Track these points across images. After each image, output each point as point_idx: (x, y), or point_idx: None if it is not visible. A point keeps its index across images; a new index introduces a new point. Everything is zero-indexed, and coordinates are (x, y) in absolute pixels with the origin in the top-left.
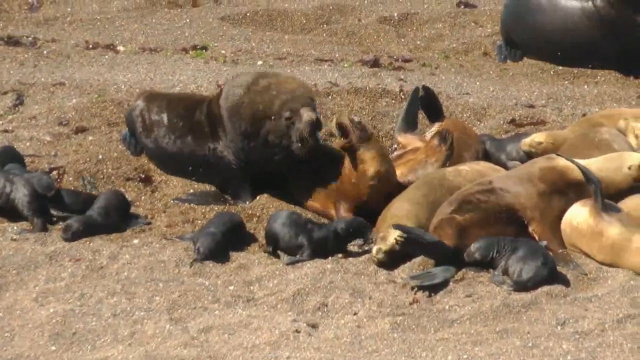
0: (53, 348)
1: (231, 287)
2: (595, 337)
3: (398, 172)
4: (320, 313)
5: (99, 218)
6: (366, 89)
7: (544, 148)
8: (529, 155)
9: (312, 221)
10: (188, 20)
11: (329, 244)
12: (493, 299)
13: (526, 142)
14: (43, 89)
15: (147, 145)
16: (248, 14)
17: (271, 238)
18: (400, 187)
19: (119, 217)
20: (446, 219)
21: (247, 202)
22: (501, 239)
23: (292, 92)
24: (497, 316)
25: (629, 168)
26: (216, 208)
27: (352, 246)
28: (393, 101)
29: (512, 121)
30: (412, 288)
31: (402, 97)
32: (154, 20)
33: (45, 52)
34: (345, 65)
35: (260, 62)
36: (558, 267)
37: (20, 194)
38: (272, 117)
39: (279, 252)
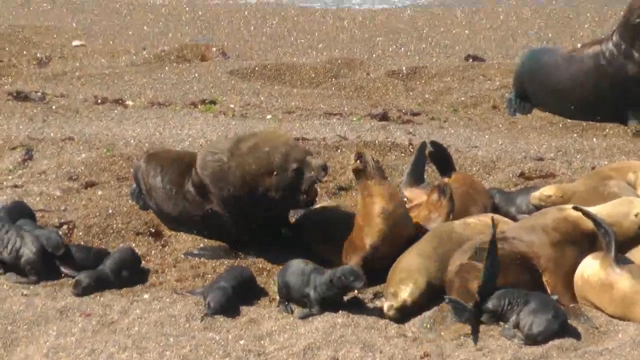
0: None
1: (242, 342)
2: None
3: None
4: None
5: (109, 273)
6: (375, 143)
7: (553, 201)
8: (538, 209)
9: (318, 269)
10: (197, 75)
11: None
12: (504, 352)
13: (535, 196)
14: (52, 143)
15: (150, 205)
16: (257, 68)
17: (283, 288)
18: (409, 244)
19: (129, 273)
20: (468, 265)
21: (256, 257)
22: (513, 291)
23: (286, 144)
24: None
25: (636, 215)
26: (227, 262)
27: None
28: (402, 154)
29: (522, 174)
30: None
31: (411, 150)
32: (162, 75)
33: (54, 107)
34: (354, 119)
35: (269, 116)
36: (569, 321)
37: (28, 251)
38: (275, 173)
39: (291, 305)
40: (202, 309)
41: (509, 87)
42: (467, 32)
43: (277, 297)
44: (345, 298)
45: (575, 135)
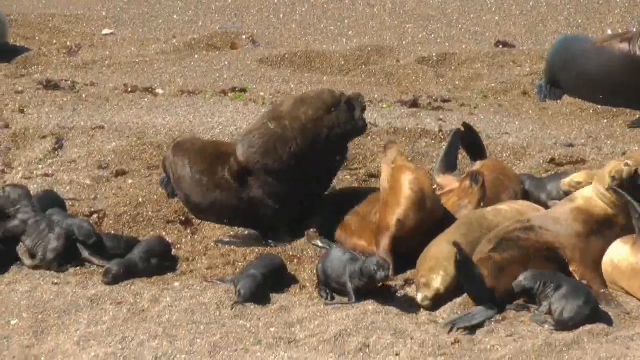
0: None
1: (272, 329)
2: None
3: None
4: (362, 354)
5: (139, 262)
6: (405, 130)
7: (583, 188)
8: (568, 195)
9: (354, 259)
10: (227, 63)
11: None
12: (535, 338)
13: (566, 182)
14: (82, 132)
15: (180, 196)
16: (287, 56)
17: (322, 276)
18: (438, 229)
19: (159, 261)
20: (483, 259)
21: (288, 244)
22: (548, 273)
23: (316, 90)
24: (539, 356)
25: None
26: (257, 250)
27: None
28: (432, 141)
29: (552, 160)
30: (452, 329)
31: (442, 137)
32: (192, 63)
33: (84, 95)
34: (384, 105)
35: None
36: (600, 306)
37: (53, 245)
38: (332, 109)
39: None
40: (233, 296)
41: (539, 73)
42: (497, 18)
43: (315, 284)
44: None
45: (605, 121)
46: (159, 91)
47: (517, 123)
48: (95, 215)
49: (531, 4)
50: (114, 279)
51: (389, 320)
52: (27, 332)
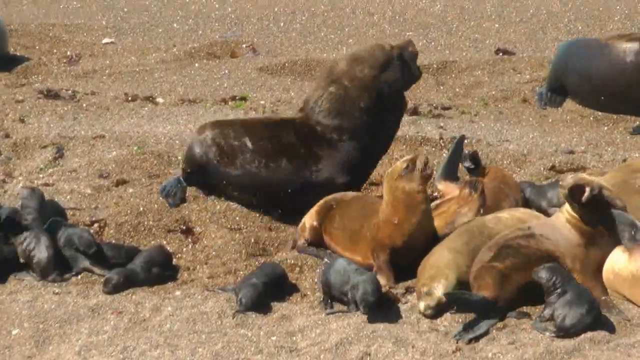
0: None
1: (274, 338)
2: None
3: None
4: None
5: (139, 271)
6: (406, 137)
7: None
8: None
9: (359, 271)
10: (227, 71)
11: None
12: (536, 346)
13: (561, 192)
14: (83, 141)
15: (229, 174)
16: (286, 64)
17: (325, 286)
18: (436, 238)
19: (160, 271)
20: (486, 267)
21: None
22: (563, 273)
23: (369, 46)
24: None
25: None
26: (259, 259)
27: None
28: (433, 149)
29: (552, 168)
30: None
31: (442, 144)
32: (192, 72)
33: (84, 105)
34: None
35: None
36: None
37: (43, 255)
38: (388, 64)
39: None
40: (234, 305)
41: (539, 80)
42: (497, 25)
43: (317, 294)
44: None
45: (605, 128)
46: (160, 100)
47: (517, 130)
48: (96, 225)
49: (531, 11)
50: (114, 289)
51: (390, 328)
52: (28, 342)
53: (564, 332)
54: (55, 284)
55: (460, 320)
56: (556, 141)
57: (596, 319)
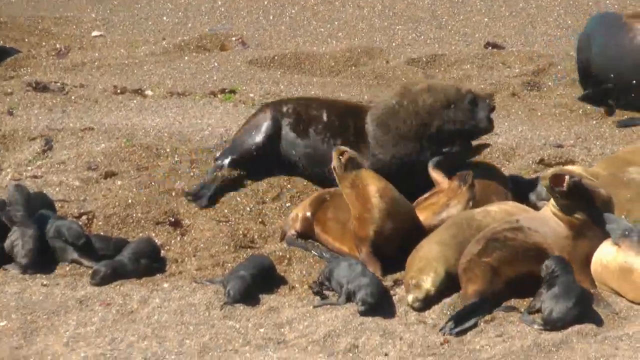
0: None
1: (262, 330)
2: None
3: (422, 216)
4: (351, 354)
5: (127, 263)
6: None
7: None
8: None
9: (365, 272)
10: (216, 64)
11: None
12: (524, 338)
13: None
14: (72, 134)
15: (299, 147)
16: (276, 57)
17: (327, 273)
18: (423, 231)
19: (148, 262)
20: (475, 261)
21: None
22: (563, 264)
23: (450, 84)
24: (528, 356)
25: None
26: (247, 251)
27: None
28: None
29: (541, 161)
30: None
31: None
32: (182, 65)
33: (73, 97)
34: None
35: None
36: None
37: (25, 248)
38: (452, 105)
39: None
40: (222, 297)
41: (528, 74)
42: (486, 19)
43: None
44: None
45: (594, 122)
46: (149, 93)
47: (506, 124)
48: (84, 217)
49: (520, 5)
50: (102, 280)
51: (378, 321)
52: (16, 334)
53: (551, 325)
54: (44, 276)
55: (448, 313)
56: (545, 135)
57: (584, 312)
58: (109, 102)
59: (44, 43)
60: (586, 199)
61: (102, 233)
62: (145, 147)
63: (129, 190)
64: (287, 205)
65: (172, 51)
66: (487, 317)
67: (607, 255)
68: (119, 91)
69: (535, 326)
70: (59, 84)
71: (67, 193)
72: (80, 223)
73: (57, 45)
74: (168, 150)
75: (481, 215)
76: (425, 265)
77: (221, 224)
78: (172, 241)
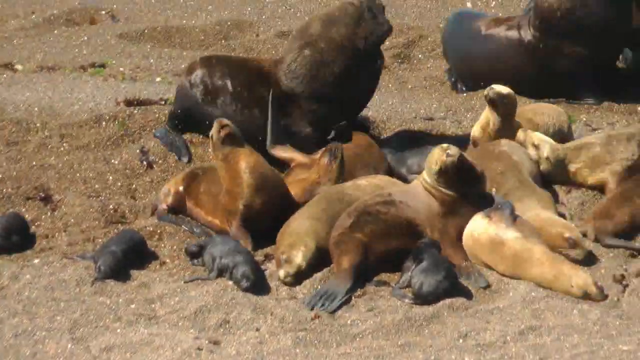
0: None
1: (133, 306)
2: (497, 349)
3: (293, 192)
4: (222, 330)
5: None
6: None
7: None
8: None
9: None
10: (86, 38)
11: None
12: (395, 313)
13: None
14: None
15: (213, 112)
16: (146, 31)
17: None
18: (294, 205)
19: (19, 239)
20: (347, 234)
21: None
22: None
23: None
24: (399, 330)
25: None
26: (118, 227)
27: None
28: None
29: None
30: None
31: None
32: (51, 39)
33: None
34: None
35: (158, 79)
36: (460, 280)
37: None
38: (360, 21)
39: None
40: (93, 273)
41: (398, 46)
42: None
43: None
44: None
45: (464, 95)
46: (18, 67)
47: (376, 97)
48: None
49: None
50: None
51: (249, 296)
52: None
53: (422, 299)
54: None
55: (319, 287)
56: (416, 107)
57: (453, 285)
58: None
59: None
60: (463, 175)
61: None
62: (15, 121)
63: None
64: (158, 180)
65: (41, 25)
66: (359, 292)
67: (478, 228)
68: None
69: (407, 300)
70: None
71: None
72: None
73: None
74: (38, 125)
75: (351, 189)
76: (296, 240)
77: (92, 199)
78: (43, 217)
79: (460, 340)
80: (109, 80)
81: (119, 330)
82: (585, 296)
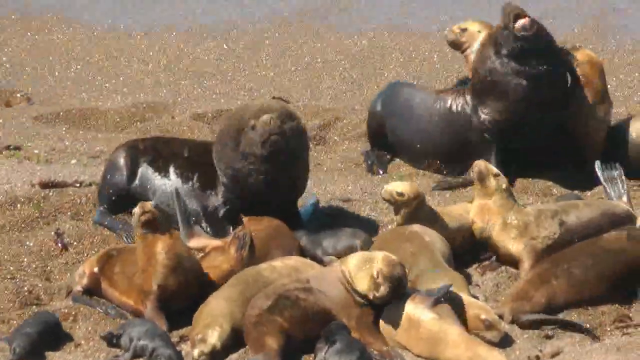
0: None
1: None
2: None
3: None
4: None
5: None
6: None
7: (404, 201)
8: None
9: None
10: (1, 121)
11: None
12: None
13: (387, 191)
14: None
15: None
16: (61, 113)
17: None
18: (210, 286)
19: None
20: (267, 317)
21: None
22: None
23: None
24: None
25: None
26: (32, 309)
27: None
28: None
29: (328, 216)
30: None
31: None
32: None
33: None
34: None
35: (74, 161)
36: None
37: None
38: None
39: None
40: (8, 355)
41: (315, 128)
42: (272, 74)
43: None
44: None
45: (379, 176)
46: None
47: None
48: None
49: (306, 59)
50: None
51: None
52: None
53: None
54: None
55: None
56: (331, 189)
57: None
58: None
59: None
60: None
61: None
62: None
63: None
64: (73, 262)
65: None
66: None
67: None
68: None
69: None
70: None
71: None
72: None
73: None
74: None
75: (267, 271)
76: (212, 321)
77: (6, 280)
78: None
79: None
80: (24, 162)
81: None
82: None
